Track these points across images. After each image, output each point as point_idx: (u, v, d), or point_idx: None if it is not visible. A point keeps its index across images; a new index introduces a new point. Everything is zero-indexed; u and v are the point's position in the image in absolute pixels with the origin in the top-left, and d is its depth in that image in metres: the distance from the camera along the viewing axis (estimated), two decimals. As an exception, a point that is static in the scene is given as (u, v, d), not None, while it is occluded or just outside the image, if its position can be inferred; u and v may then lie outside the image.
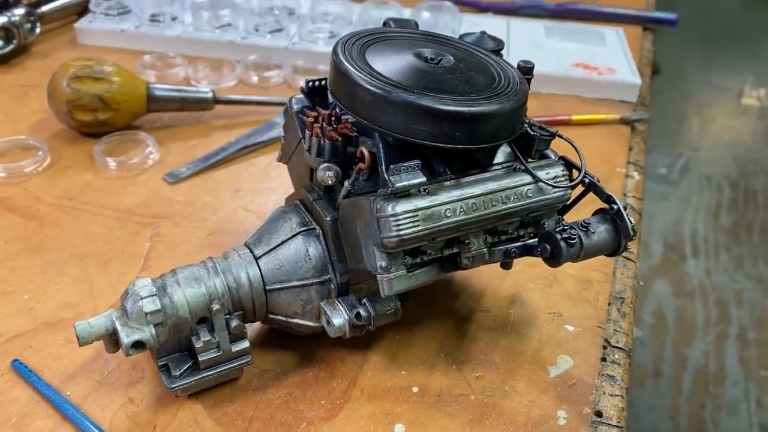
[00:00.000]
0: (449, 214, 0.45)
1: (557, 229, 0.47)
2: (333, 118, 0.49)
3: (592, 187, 0.50)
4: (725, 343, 1.92)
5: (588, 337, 0.56)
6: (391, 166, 0.44)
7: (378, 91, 0.44)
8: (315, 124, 0.49)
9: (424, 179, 0.44)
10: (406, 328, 0.56)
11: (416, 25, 0.58)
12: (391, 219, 0.43)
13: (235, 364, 0.49)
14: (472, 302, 0.59)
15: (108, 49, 0.95)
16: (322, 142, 0.48)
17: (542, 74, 0.90)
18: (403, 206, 0.43)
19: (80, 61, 0.74)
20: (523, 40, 0.98)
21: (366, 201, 0.45)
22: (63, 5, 0.97)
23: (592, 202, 0.50)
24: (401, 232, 0.43)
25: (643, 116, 0.85)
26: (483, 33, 0.56)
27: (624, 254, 0.65)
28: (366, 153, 0.46)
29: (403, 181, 0.44)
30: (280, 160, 0.58)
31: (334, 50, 0.48)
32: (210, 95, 0.79)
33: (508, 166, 0.49)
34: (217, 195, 0.69)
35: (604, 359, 0.55)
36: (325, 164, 0.48)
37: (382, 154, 0.48)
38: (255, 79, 0.89)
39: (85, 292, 0.57)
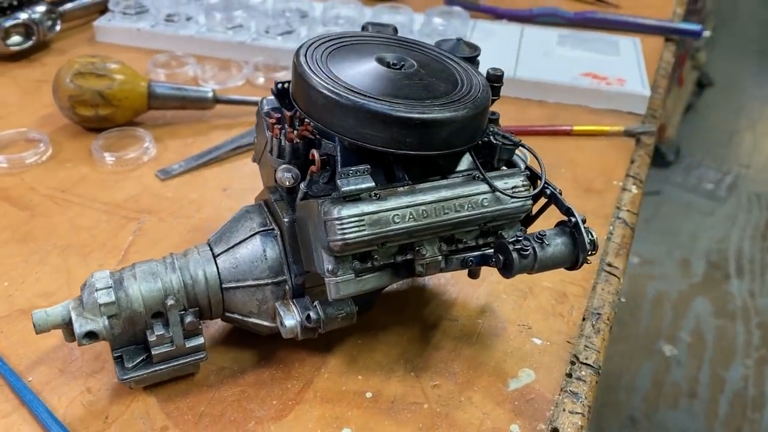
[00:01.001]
0: (398, 220, 0.45)
1: (511, 240, 0.46)
2: (297, 121, 0.49)
3: (553, 198, 0.49)
4: (767, 367, 1.85)
5: (555, 351, 0.55)
6: (340, 169, 0.44)
7: (329, 94, 0.44)
8: (276, 125, 0.49)
9: (372, 184, 0.44)
10: (369, 333, 0.55)
11: (395, 30, 0.58)
12: (336, 222, 0.43)
13: (189, 359, 0.50)
14: (442, 310, 0.58)
15: (124, 47, 0.98)
16: (282, 144, 0.49)
17: (549, 83, 0.88)
18: (349, 210, 0.43)
19: (85, 58, 0.76)
20: (535, 47, 0.97)
21: (315, 203, 0.45)
22: (84, 4, 1.00)
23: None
24: (346, 236, 0.43)
25: (648, 129, 0.83)
26: (459, 40, 0.55)
27: (607, 269, 0.64)
28: (317, 156, 0.46)
29: (350, 185, 0.44)
30: (254, 160, 0.58)
31: (297, 52, 0.48)
32: (210, 95, 0.80)
33: (467, 175, 0.49)
34: (206, 193, 0.70)
35: (569, 375, 0.53)
36: (284, 165, 0.49)
37: (338, 158, 0.48)
38: (262, 80, 0.90)
39: (62, 282, 0.59)
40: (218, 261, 0.50)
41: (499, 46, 0.97)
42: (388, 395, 0.51)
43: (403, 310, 0.58)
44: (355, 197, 0.44)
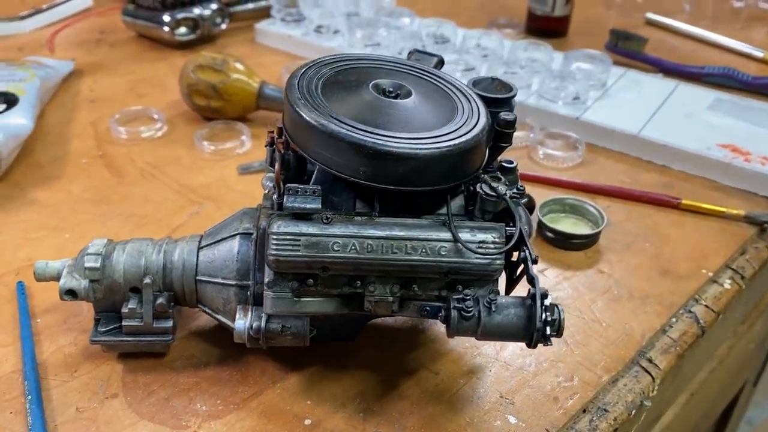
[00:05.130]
0: (337, 249, 0.43)
1: (457, 297, 0.42)
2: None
3: (524, 263, 0.44)
4: None
5: (526, 436, 0.49)
6: (289, 186, 0.43)
7: (296, 108, 0.44)
8: (270, 134, 0.50)
9: (317, 206, 0.43)
10: (340, 363, 0.54)
11: (440, 62, 0.55)
12: (273, 237, 0.43)
13: (155, 339, 0.52)
14: (427, 359, 0.54)
15: (277, 50, 1.05)
16: (273, 153, 0.49)
17: (674, 147, 0.79)
18: (287, 227, 0.43)
19: (211, 53, 0.84)
20: (679, 108, 0.86)
21: (267, 214, 0.45)
22: (252, 9, 1.10)
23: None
24: (278, 253, 0.43)
25: (777, 219, 0.70)
26: (493, 79, 0.52)
27: (644, 364, 0.56)
28: (276, 168, 0.46)
29: (295, 203, 0.43)
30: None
31: (300, 67, 0.49)
32: (314, 103, 0.83)
33: (438, 219, 0.45)
34: (270, 193, 0.73)
35: (532, 467, 0.47)
36: (269, 174, 0.49)
37: (314, 176, 0.47)
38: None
39: (109, 245, 0.65)
40: (200, 253, 0.52)
41: (640, 99, 0.88)
42: (325, 428, 0.49)
43: (389, 348, 0.55)
44: (306, 217, 0.43)
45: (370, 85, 0.47)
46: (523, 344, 0.55)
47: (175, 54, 1.03)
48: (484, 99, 0.50)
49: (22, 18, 1.07)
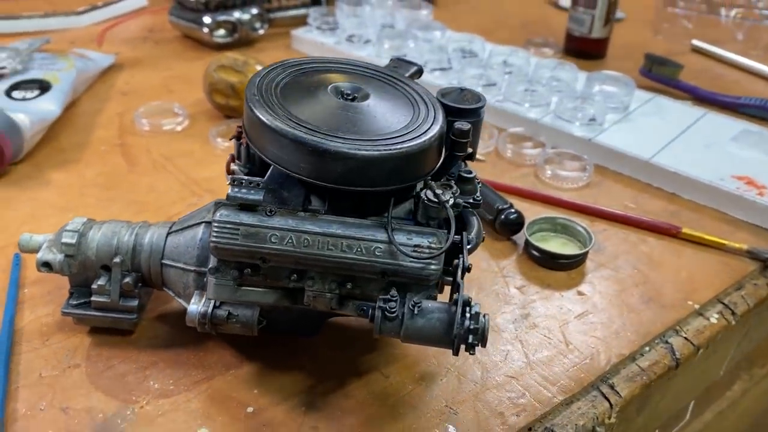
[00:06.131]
0: (275, 241, 0.44)
1: (383, 297, 0.43)
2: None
3: (454, 271, 0.44)
4: None
5: (461, 448, 0.48)
6: (233, 176, 0.45)
7: (249, 104, 0.45)
8: (239, 128, 0.52)
9: (259, 197, 0.44)
10: (296, 357, 0.55)
11: (418, 72, 0.56)
12: (215, 225, 0.44)
13: (121, 316, 0.54)
14: (381, 362, 0.55)
15: (310, 56, 1.08)
16: (240, 147, 0.51)
17: (686, 176, 0.76)
18: (228, 216, 0.44)
19: (234, 54, 0.87)
20: (700, 137, 0.83)
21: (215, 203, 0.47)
22: (292, 16, 1.13)
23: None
24: (218, 240, 0.44)
25: (780, 257, 0.66)
26: (461, 90, 0.52)
27: (605, 390, 0.54)
28: (229, 158, 0.47)
29: (238, 194, 0.44)
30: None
31: (267, 66, 0.50)
32: (327, 108, 0.85)
33: (383, 221, 0.46)
34: (270, 191, 0.75)
35: (463, 479, 0.47)
36: (234, 167, 0.51)
37: (269, 172, 0.49)
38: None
39: (106, 227, 0.68)
40: (168, 238, 0.54)
41: (661, 125, 0.86)
42: (265, 418, 0.50)
43: (347, 347, 0.56)
44: (249, 208, 0.45)
45: (329, 87, 0.48)
46: (479, 355, 0.55)
47: (212, 55, 1.07)
48: (449, 109, 0.50)
49: (79, 13, 1.14)
